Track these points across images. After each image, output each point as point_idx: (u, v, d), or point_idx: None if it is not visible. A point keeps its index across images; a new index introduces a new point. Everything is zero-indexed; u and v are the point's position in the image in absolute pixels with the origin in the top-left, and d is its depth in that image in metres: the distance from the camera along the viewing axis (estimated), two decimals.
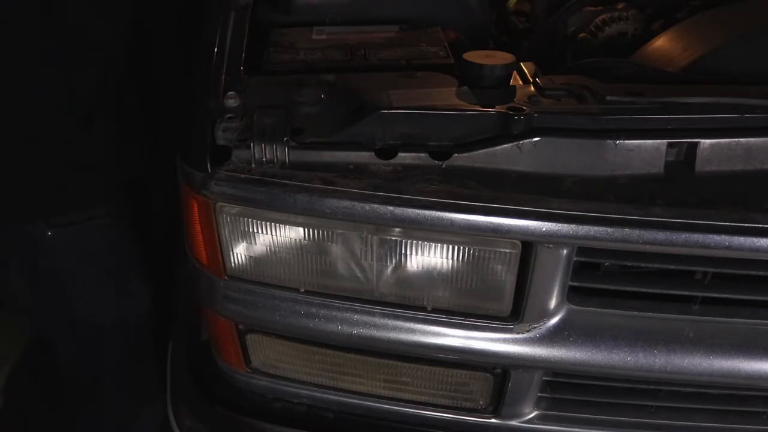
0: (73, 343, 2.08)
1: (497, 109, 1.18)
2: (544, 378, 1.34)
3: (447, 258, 1.19)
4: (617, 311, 1.24)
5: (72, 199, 1.87)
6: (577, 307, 1.23)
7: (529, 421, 1.38)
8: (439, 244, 1.18)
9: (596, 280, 1.22)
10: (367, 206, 1.12)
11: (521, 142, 1.16)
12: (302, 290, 1.27)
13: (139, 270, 2.12)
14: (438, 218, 1.12)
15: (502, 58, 1.28)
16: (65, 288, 2.01)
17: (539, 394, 1.36)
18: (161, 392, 1.65)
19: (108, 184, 1.92)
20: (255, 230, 1.21)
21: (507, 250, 1.17)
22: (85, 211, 1.90)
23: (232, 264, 1.27)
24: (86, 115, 1.78)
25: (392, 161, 1.17)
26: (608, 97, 1.21)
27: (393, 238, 1.18)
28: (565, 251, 1.16)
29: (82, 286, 2.01)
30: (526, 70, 1.31)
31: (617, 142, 1.16)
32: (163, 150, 1.71)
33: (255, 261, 1.26)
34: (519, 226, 1.11)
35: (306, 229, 1.20)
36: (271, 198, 1.15)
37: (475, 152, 1.17)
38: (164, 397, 1.62)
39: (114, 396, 2.18)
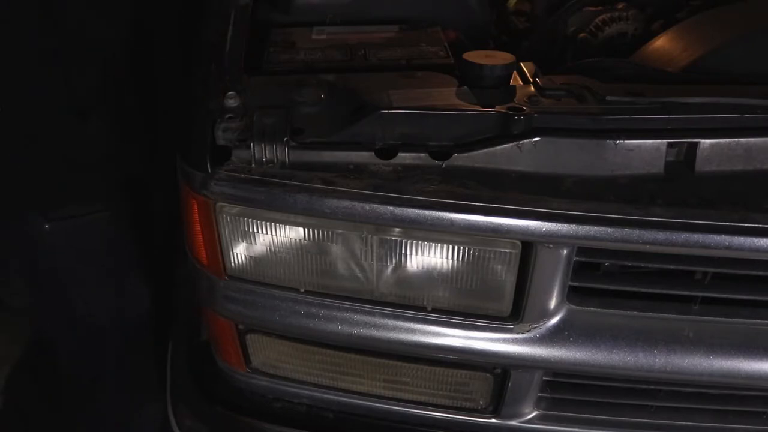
0: (72, 342, 2.08)
1: (497, 109, 1.18)
2: (544, 378, 1.34)
3: (447, 258, 1.19)
4: (617, 311, 1.24)
5: (71, 196, 1.87)
6: (577, 307, 1.23)
7: (529, 421, 1.38)
8: (439, 244, 1.18)
9: (596, 280, 1.22)
10: (367, 206, 1.12)
11: (521, 142, 1.16)
12: (302, 290, 1.27)
13: (139, 269, 2.12)
14: (438, 218, 1.12)
15: (502, 58, 1.28)
16: (64, 286, 2.01)
17: (539, 394, 1.36)
18: (161, 392, 1.65)
19: (107, 182, 1.92)
20: (255, 230, 1.21)
21: (507, 250, 1.17)
22: (83, 206, 1.90)
23: (232, 264, 1.27)
24: (83, 112, 1.78)
25: (392, 161, 1.17)
26: (608, 97, 1.21)
27: (393, 238, 1.18)
28: (565, 251, 1.16)
29: (81, 284, 2.01)
30: (526, 70, 1.31)
31: (617, 142, 1.16)
32: (163, 150, 1.71)
33: (255, 261, 1.26)
34: (519, 226, 1.11)
35: (306, 229, 1.20)
36: (271, 198, 1.15)
37: (475, 152, 1.17)
38: (164, 397, 1.62)
39: (113, 395, 2.18)
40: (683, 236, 1.10)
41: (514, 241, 1.15)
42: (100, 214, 1.93)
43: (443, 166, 1.17)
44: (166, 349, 1.72)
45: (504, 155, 1.17)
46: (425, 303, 1.25)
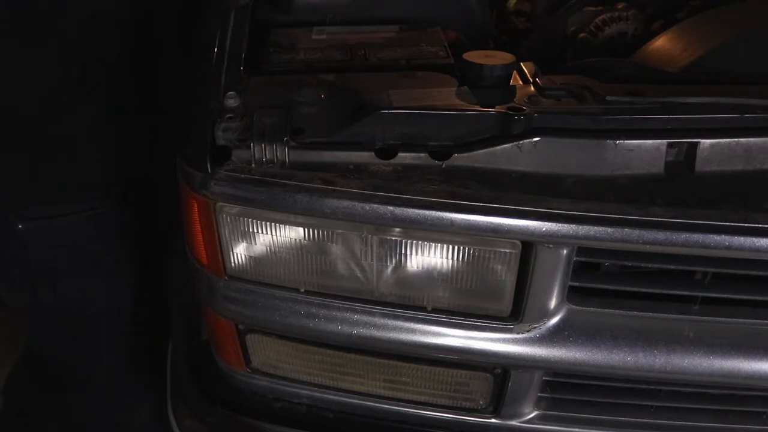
0: (59, 342, 2.06)
1: (497, 109, 1.18)
2: (544, 378, 1.34)
3: (447, 258, 1.19)
4: (617, 311, 1.24)
5: (53, 193, 1.86)
6: (577, 307, 1.23)
7: (529, 421, 1.38)
8: (439, 244, 1.18)
9: (596, 280, 1.22)
10: (367, 206, 1.12)
11: (521, 142, 1.16)
12: (302, 290, 1.27)
13: (125, 269, 2.09)
14: (438, 218, 1.12)
15: (502, 58, 1.28)
16: (47, 284, 1.99)
17: (539, 394, 1.36)
18: (155, 392, 1.65)
19: (93, 179, 1.90)
20: (255, 230, 1.21)
21: (507, 250, 1.17)
22: (65, 205, 1.88)
23: (232, 264, 1.27)
24: (71, 107, 1.76)
25: (392, 161, 1.17)
26: (608, 97, 1.21)
27: (393, 238, 1.18)
28: (565, 251, 1.16)
29: (65, 283, 1.98)
30: (526, 70, 1.31)
31: (617, 142, 1.16)
32: (160, 149, 1.70)
33: (255, 261, 1.26)
34: (519, 226, 1.11)
35: (306, 229, 1.20)
36: (271, 198, 1.15)
37: (475, 152, 1.17)
38: (159, 396, 1.62)
39: (107, 395, 2.16)
40: (683, 236, 1.10)
41: (514, 241, 1.15)
42: (82, 213, 1.91)
43: (443, 166, 1.17)
44: (166, 349, 1.72)
45: (504, 155, 1.17)
46: (425, 303, 1.25)
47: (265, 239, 1.22)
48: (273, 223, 1.20)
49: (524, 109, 1.18)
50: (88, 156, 1.83)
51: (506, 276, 1.20)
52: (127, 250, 2.07)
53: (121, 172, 1.94)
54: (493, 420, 1.39)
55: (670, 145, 1.18)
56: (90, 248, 1.97)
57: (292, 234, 1.21)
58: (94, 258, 2.00)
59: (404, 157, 1.18)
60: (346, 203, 1.13)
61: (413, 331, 1.27)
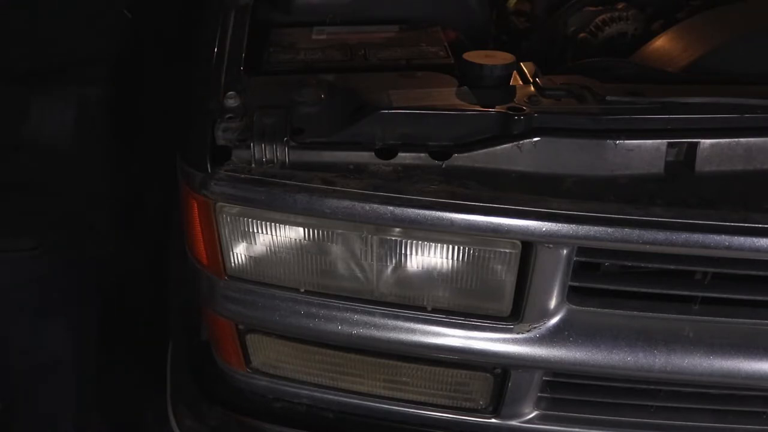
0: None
1: (497, 109, 1.18)
2: (544, 378, 1.34)
3: (447, 258, 1.19)
4: (617, 311, 1.24)
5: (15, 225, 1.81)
6: (577, 307, 1.23)
7: (529, 421, 1.38)
8: (439, 244, 1.18)
9: (596, 280, 1.22)
10: (367, 206, 1.12)
11: (521, 142, 1.16)
12: (302, 290, 1.27)
13: (64, 312, 2.03)
14: (438, 218, 1.12)
15: (502, 58, 1.28)
16: None
17: (539, 394, 1.36)
18: (156, 390, 1.64)
19: (40, 217, 1.85)
20: (255, 230, 1.21)
21: (507, 250, 1.17)
22: (9, 241, 1.84)
23: (232, 264, 1.27)
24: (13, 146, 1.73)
25: (392, 161, 1.17)
26: (608, 97, 1.21)
27: (393, 238, 1.18)
28: (565, 251, 1.16)
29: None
30: (526, 70, 1.31)
31: (617, 142, 1.16)
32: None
33: (255, 261, 1.26)
34: (519, 226, 1.11)
35: (306, 229, 1.20)
36: (271, 198, 1.15)
37: (475, 152, 1.17)
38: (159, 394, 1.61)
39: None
40: (683, 236, 1.10)
41: (514, 241, 1.15)
42: (29, 251, 1.86)
43: (443, 166, 1.17)
44: (166, 349, 1.72)
45: (504, 155, 1.17)
46: (425, 303, 1.25)
47: (265, 239, 1.22)
48: (273, 223, 1.20)
49: (524, 109, 1.18)
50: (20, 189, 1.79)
51: (506, 276, 1.20)
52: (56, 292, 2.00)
53: (58, 208, 1.88)
54: (493, 420, 1.39)
55: (670, 145, 1.18)
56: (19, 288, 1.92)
57: (292, 234, 1.21)
58: (35, 302, 1.94)
59: (404, 157, 1.18)
60: (346, 203, 1.13)
61: (413, 331, 1.27)
